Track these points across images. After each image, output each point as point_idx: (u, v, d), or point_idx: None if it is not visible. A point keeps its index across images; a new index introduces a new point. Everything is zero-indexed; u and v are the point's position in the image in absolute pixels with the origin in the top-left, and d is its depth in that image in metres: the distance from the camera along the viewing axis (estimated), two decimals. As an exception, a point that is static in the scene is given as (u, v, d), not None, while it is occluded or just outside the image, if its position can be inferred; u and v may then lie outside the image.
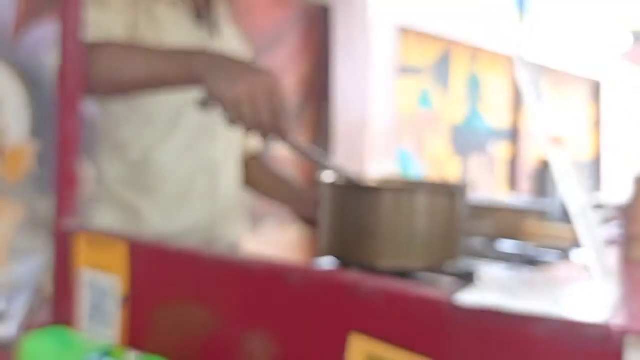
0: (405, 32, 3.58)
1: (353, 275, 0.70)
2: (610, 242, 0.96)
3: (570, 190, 0.58)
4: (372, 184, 1.10)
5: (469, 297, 0.57)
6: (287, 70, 2.99)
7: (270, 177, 1.68)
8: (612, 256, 0.88)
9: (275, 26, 2.92)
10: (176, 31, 1.44)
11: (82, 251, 1.03)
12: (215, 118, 1.47)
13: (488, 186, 4.47)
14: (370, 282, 0.66)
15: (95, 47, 1.16)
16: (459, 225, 1.01)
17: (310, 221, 1.48)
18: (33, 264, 1.49)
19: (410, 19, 3.59)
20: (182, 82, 1.09)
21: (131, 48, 1.19)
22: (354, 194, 1.01)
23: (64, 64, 1.06)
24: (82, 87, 1.07)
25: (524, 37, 2.39)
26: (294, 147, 1.07)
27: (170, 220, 1.43)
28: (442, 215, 0.98)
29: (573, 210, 0.58)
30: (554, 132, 0.60)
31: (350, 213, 1.00)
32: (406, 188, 1.04)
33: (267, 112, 0.98)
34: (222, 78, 1.00)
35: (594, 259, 0.56)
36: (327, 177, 1.08)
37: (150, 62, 1.12)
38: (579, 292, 0.60)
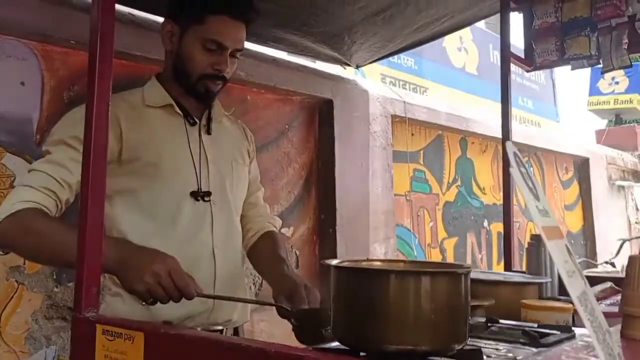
0: (399, 119, 3.68)
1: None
2: (609, 317, 0.94)
3: (570, 277, 0.58)
4: (377, 267, 1.10)
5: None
6: (291, 159, 3.04)
7: (269, 254, 1.62)
8: (614, 334, 0.86)
9: (280, 119, 3.00)
10: (167, 133, 1.48)
11: (100, 342, 1.02)
12: (213, 205, 1.49)
13: (484, 262, 4.44)
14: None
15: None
16: (464, 306, 1.00)
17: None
18: (50, 354, 1.45)
19: (404, 108, 3.69)
20: None
21: (60, 227, 1.29)
22: (360, 278, 1.00)
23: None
24: (102, 193, 1.09)
25: (513, 126, 2.41)
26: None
27: (174, 307, 1.41)
28: (447, 297, 0.96)
29: (574, 295, 0.58)
30: (548, 223, 0.61)
31: (356, 297, 0.98)
32: (412, 270, 1.03)
33: (174, 290, 1.22)
34: (130, 276, 1.21)
35: (598, 343, 0.56)
36: (331, 261, 1.07)
37: (69, 248, 1.17)
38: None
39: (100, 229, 1.08)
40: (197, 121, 1.55)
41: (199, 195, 1.48)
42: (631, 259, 0.86)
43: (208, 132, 1.56)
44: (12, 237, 1.29)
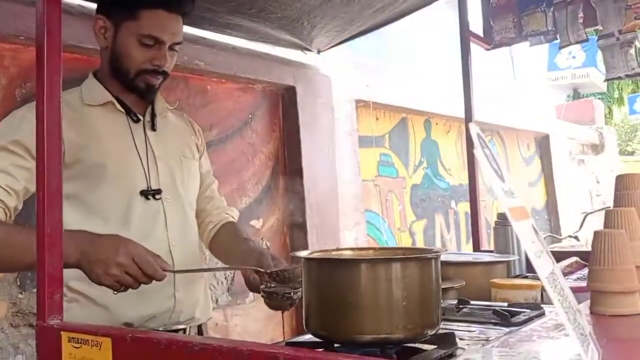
0: (363, 103, 3.68)
1: (339, 355, 0.68)
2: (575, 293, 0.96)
3: (537, 257, 0.58)
4: (346, 257, 1.09)
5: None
6: (257, 149, 3.01)
7: (235, 240, 1.60)
8: (583, 311, 0.87)
9: (243, 109, 2.96)
10: (110, 132, 1.44)
11: (66, 349, 0.99)
12: (165, 202, 1.46)
13: (453, 243, 4.51)
14: (357, 362, 0.65)
15: None
16: (436, 291, 1.00)
17: (246, 280, 1.41)
18: (16, 364, 1.41)
19: (368, 92, 3.69)
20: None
21: (15, 231, 1.27)
22: (330, 269, 0.99)
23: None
24: (58, 195, 1.05)
25: (475, 105, 2.43)
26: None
27: (134, 309, 1.38)
28: (419, 283, 0.96)
29: (542, 276, 0.58)
30: (514, 204, 0.61)
31: (328, 288, 0.98)
32: (381, 258, 1.03)
33: (142, 276, 1.21)
34: (95, 270, 1.20)
35: (569, 323, 0.56)
36: (301, 252, 1.06)
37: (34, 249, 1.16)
38: (559, 356, 0.60)
39: (59, 233, 1.04)
40: (141, 118, 1.50)
41: (149, 193, 1.45)
42: (596, 234, 0.87)
43: (153, 128, 1.52)
44: None
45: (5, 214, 1.30)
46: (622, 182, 1.04)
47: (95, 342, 0.94)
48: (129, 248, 1.21)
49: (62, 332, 1.00)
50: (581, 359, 0.55)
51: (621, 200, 1.01)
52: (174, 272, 1.34)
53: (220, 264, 1.67)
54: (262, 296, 1.30)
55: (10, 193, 1.30)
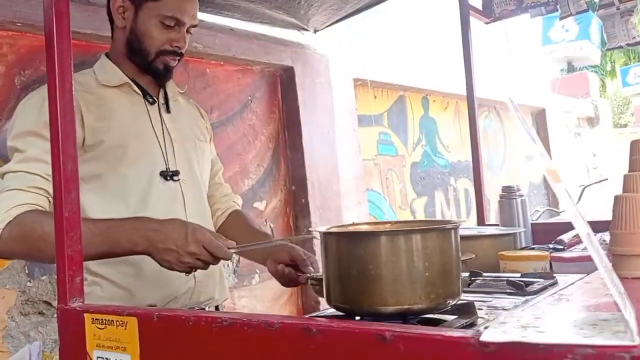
0: (361, 82, 3.66)
1: (374, 324, 0.69)
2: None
3: (575, 218, 0.59)
4: (367, 230, 1.10)
5: (496, 335, 0.57)
6: (257, 131, 3.00)
7: (248, 232, 1.62)
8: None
9: (242, 91, 2.95)
10: (129, 113, 1.44)
11: (90, 331, 0.99)
12: (183, 184, 1.46)
13: (453, 219, 4.53)
14: (395, 328, 0.65)
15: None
16: (456, 261, 1.01)
17: (284, 280, 1.43)
18: (35, 350, 1.41)
19: (365, 71, 3.68)
20: (128, 254, 1.28)
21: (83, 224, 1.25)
22: (351, 242, 1.00)
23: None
24: (75, 178, 1.05)
25: (475, 79, 2.41)
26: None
27: (156, 291, 1.39)
28: (440, 254, 0.97)
29: (584, 236, 0.59)
30: (550, 167, 0.61)
31: (349, 262, 0.98)
32: (402, 230, 1.03)
33: (213, 260, 1.24)
34: (167, 258, 1.22)
35: (609, 279, 0.57)
36: (320, 228, 1.06)
37: (99, 241, 1.22)
38: (591, 316, 0.60)
39: (77, 215, 1.04)
40: (156, 100, 1.50)
41: (168, 174, 1.45)
42: (617, 198, 0.88)
43: (168, 110, 1.52)
44: (18, 244, 1.24)
45: (49, 202, 1.30)
46: (637, 147, 1.04)
47: (121, 322, 0.94)
48: (197, 235, 1.22)
49: (85, 314, 1.00)
50: (617, 316, 0.56)
51: (637, 164, 1.01)
52: (239, 248, 1.34)
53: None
54: (312, 284, 1.30)
55: (49, 181, 1.30)
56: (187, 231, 1.22)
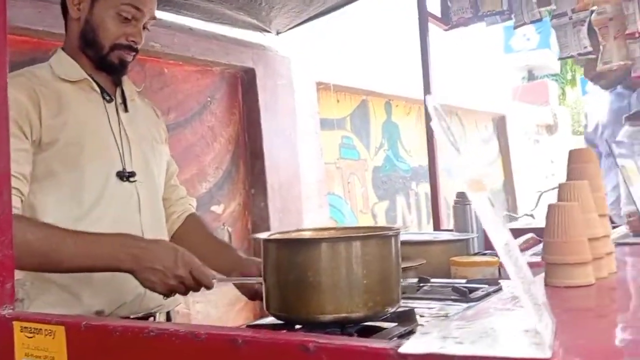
0: (324, 86, 3.66)
1: (299, 335, 0.68)
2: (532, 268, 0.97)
3: (493, 229, 0.59)
4: (306, 237, 1.08)
5: (414, 346, 0.56)
6: (216, 133, 2.96)
7: (209, 242, 1.60)
8: (538, 284, 0.89)
9: (201, 92, 2.91)
10: (87, 110, 1.40)
11: (19, 340, 0.95)
12: (139, 185, 1.43)
13: (415, 224, 4.56)
14: (318, 339, 0.64)
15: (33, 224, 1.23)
16: (396, 268, 1.00)
17: (252, 294, 1.40)
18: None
19: (328, 74, 3.68)
20: (111, 271, 1.25)
21: (68, 236, 1.24)
22: (290, 249, 0.98)
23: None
24: (7, 178, 1.01)
25: (433, 85, 2.45)
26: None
27: (105, 297, 1.35)
28: (379, 261, 0.96)
29: (498, 248, 0.59)
30: (473, 176, 0.61)
31: (288, 268, 0.97)
32: (341, 237, 1.02)
33: (196, 287, 1.22)
34: (152, 278, 1.20)
35: (524, 293, 0.57)
36: (261, 234, 1.05)
37: (82, 254, 1.21)
38: (514, 327, 0.60)
39: (9, 218, 1.00)
40: (113, 98, 1.47)
41: (124, 175, 1.41)
42: (550, 207, 0.89)
43: (125, 110, 1.48)
44: None
45: (22, 201, 1.27)
46: (574, 156, 1.06)
47: (49, 331, 0.91)
48: (185, 259, 1.21)
49: (14, 322, 0.96)
50: (535, 329, 0.56)
51: (574, 173, 1.02)
52: (224, 280, 1.33)
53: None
54: None
55: (21, 179, 1.27)
56: (177, 254, 1.21)
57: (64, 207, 1.32)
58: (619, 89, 2.32)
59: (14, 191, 1.23)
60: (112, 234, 1.27)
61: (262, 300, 1.11)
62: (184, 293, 1.24)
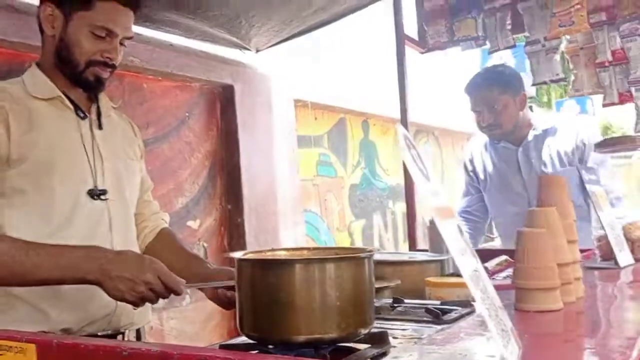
0: (302, 103, 3.69)
1: (270, 357, 0.68)
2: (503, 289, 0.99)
3: (462, 256, 0.60)
4: (281, 257, 1.09)
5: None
6: (194, 148, 2.96)
7: (180, 254, 1.58)
8: (508, 308, 0.91)
9: (180, 107, 2.90)
10: (59, 128, 1.39)
11: (-14, 358, 0.94)
12: (110, 203, 1.42)
13: (391, 243, 4.59)
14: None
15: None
16: (369, 290, 1.01)
17: (225, 303, 1.40)
18: None
19: (306, 92, 3.70)
20: (77, 283, 1.24)
21: (31, 248, 1.23)
22: (265, 269, 0.99)
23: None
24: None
25: (410, 106, 2.47)
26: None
27: (72, 314, 1.34)
28: (352, 283, 0.97)
29: (466, 275, 0.60)
30: (439, 204, 0.62)
31: (261, 289, 0.97)
32: (314, 259, 1.03)
33: (166, 292, 1.21)
34: (120, 287, 1.18)
35: (490, 319, 0.58)
36: (235, 253, 1.05)
37: (46, 267, 1.21)
38: (482, 352, 0.61)
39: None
40: (87, 115, 1.46)
41: (96, 193, 1.40)
42: (519, 233, 0.91)
43: (99, 127, 1.48)
44: None
45: None
46: (544, 182, 1.09)
47: (19, 349, 0.89)
48: (152, 265, 1.21)
49: (-19, 341, 0.95)
50: (502, 355, 0.57)
51: (543, 199, 1.05)
52: (192, 286, 1.32)
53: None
54: None
55: None
56: (144, 261, 1.21)
57: (32, 226, 1.31)
58: (504, 142, 2.42)
59: None
60: (78, 245, 1.26)
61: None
62: (154, 300, 1.23)
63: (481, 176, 2.57)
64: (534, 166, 2.37)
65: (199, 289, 1.44)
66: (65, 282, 1.24)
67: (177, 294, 1.24)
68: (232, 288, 1.36)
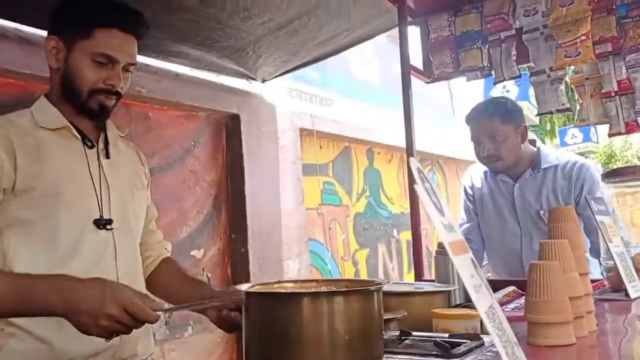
0: (307, 132, 3.70)
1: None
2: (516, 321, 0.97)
3: (476, 291, 0.59)
4: (287, 291, 1.08)
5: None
6: (199, 177, 2.96)
7: (183, 280, 1.58)
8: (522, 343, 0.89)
9: (185, 136, 2.92)
10: (66, 158, 1.39)
11: (-13, 393, 0.92)
12: (116, 233, 1.41)
13: (396, 272, 4.55)
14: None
15: None
16: (378, 323, 1.00)
17: (228, 325, 1.38)
18: None
19: (312, 121, 3.72)
20: (47, 315, 1.18)
21: (6, 277, 1.20)
22: (271, 302, 0.98)
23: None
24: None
25: (415, 135, 2.46)
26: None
27: (76, 346, 1.31)
28: (361, 316, 0.96)
29: (481, 310, 0.59)
30: (454, 238, 0.61)
31: (269, 322, 0.96)
32: (323, 292, 1.01)
33: (134, 324, 1.14)
34: (83, 321, 1.13)
35: (507, 357, 0.57)
36: (242, 286, 1.04)
37: (14, 299, 1.16)
38: (498, 390, 0.60)
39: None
40: (95, 144, 1.46)
41: (102, 223, 1.40)
42: (532, 266, 0.90)
43: (107, 156, 1.48)
44: None
45: None
46: (554, 215, 1.08)
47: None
48: (115, 294, 1.13)
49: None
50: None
51: (554, 232, 1.04)
52: (165, 311, 1.25)
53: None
54: None
55: None
56: (105, 291, 1.14)
57: (37, 255, 1.30)
58: (503, 175, 2.42)
59: None
60: (46, 275, 1.21)
61: (240, 330, 1.07)
62: (126, 332, 1.16)
63: (478, 203, 2.55)
64: (528, 204, 2.36)
65: (201, 312, 1.42)
66: (33, 315, 1.20)
67: (151, 322, 1.18)
68: (235, 309, 1.34)
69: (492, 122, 2.30)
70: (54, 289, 1.15)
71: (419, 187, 0.58)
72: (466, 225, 2.59)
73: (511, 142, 2.31)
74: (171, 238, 2.62)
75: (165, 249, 1.68)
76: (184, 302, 1.54)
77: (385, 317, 1.28)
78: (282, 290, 1.06)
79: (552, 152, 2.52)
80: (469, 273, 0.58)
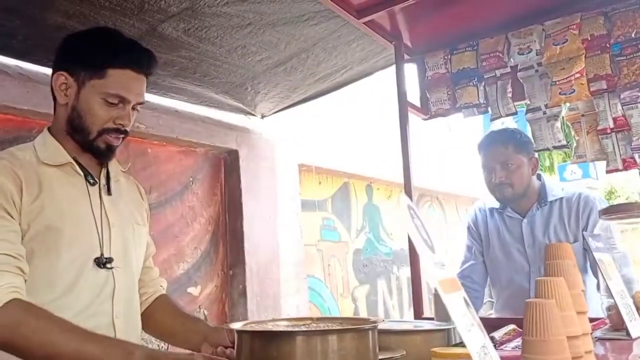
0: (306, 168, 3.71)
1: None
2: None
3: (468, 332, 0.58)
4: (281, 330, 1.06)
5: None
6: (197, 213, 2.96)
7: (177, 316, 1.57)
8: (517, 383, 0.87)
9: (184, 172, 2.92)
10: (68, 195, 1.38)
11: None
12: (116, 272, 1.40)
13: (396, 309, 4.50)
14: None
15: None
16: (372, 364, 0.98)
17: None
18: None
19: (311, 156, 3.74)
20: None
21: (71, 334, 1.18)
22: (264, 340, 0.96)
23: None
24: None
25: (413, 171, 2.45)
26: None
27: None
28: (355, 355, 0.94)
29: (473, 351, 0.58)
30: (444, 276, 0.61)
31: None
32: (317, 331, 1.00)
33: None
34: None
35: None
36: (235, 324, 1.03)
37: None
38: None
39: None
40: (97, 181, 1.46)
41: (102, 262, 1.39)
42: (527, 304, 0.88)
43: (108, 192, 1.47)
44: (9, 335, 1.17)
45: (25, 281, 1.24)
46: (551, 252, 1.07)
47: None
48: None
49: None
50: None
51: (551, 269, 1.03)
52: None
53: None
54: None
55: (20, 259, 1.25)
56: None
57: (36, 291, 1.28)
58: (510, 211, 2.41)
59: (18, 271, 1.23)
60: (142, 348, 1.20)
61: None
62: None
63: (484, 241, 2.53)
64: (537, 240, 2.34)
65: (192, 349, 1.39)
66: None
67: None
68: (230, 346, 1.32)
69: (506, 149, 2.30)
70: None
71: (409, 224, 0.58)
72: (468, 264, 2.56)
73: (523, 171, 2.31)
74: (168, 275, 2.61)
75: (161, 286, 1.67)
76: (180, 339, 1.52)
77: (383, 357, 1.26)
78: (273, 329, 1.04)
79: (557, 185, 2.51)
80: (461, 312, 0.57)
